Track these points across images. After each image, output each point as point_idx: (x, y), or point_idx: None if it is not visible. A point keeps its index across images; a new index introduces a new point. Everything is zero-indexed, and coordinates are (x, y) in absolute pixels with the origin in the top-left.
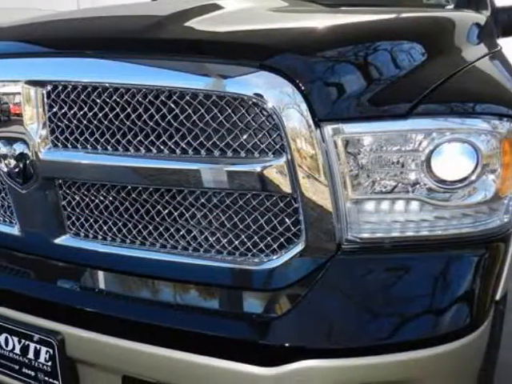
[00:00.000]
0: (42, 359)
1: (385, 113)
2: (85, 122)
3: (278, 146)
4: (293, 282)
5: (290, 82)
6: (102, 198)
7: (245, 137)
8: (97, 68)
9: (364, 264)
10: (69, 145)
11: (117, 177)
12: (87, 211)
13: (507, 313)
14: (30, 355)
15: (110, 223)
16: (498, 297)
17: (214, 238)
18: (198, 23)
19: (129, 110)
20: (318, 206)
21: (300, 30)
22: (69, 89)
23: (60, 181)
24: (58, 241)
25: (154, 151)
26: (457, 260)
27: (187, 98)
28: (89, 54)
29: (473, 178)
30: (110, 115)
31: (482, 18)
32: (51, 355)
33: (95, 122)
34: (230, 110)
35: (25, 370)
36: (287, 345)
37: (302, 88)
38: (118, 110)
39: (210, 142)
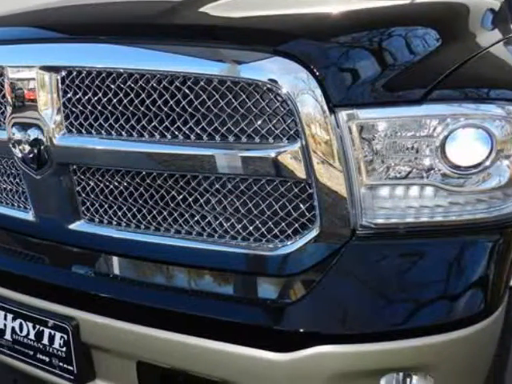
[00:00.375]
0: (56, 345)
1: (399, 98)
2: (99, 107)
3: (292, 132)
4: (307, 268)
5: (305, 68)
6: (116, 184)
7: (259, 122)
8: (111, 53)
9: (378, 250)
10: (83, 130)
11: (131, 162)
12: (102, 197)
13: None
14: (45, 341)
15: (125, 209)
16: None
17: (228, 224)
18: (212, 9)
19: (143, 95)
20: (332, 191)
21: (314, 16)
22: (83, 74)
23: (74, 166)
24: (72, 226)
25: (169, 137)
26: (471, 245)
27: (202, 83)
28: (103, 40)
29: (487, 163)
30: (125, 101)
31: (496, 3)
32: (66, 341)
33: (109, 108)
34: (244, 96)
35: (39, 356)
36: (302, 330)
37: (317, 73)
38: (132, 95)
39: (225, 128)
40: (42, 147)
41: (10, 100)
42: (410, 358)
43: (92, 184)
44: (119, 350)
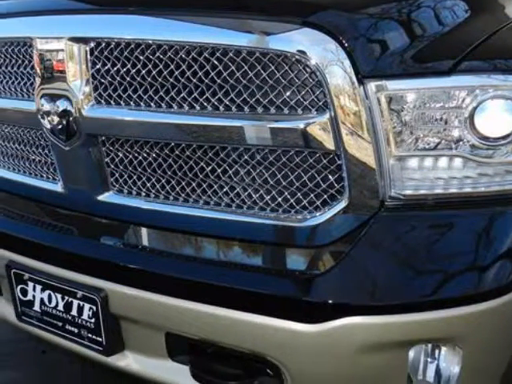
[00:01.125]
0: (85, 316)
1: (428, 69)
2: (128, 78)
3: (321, 103)
4: (336, 239)
5: (334, 39)
6: (145, 155)
7: (288, 94)
8: (140, 25)
9: (407, 221)
10: (112, 102)
11: (160, 134)
12: (130, 168)
13: None
14: (74, 312)
15: (154, 180)
16: None
17: (257, 195)
18: None
19: (172, 66)
20: (361, 162)
21: None
22: (112, 45)
23: (103, 137)
24: (101, 198)
25: (198, 108)
26: (500, 217)
27: (230, 54)
28: (132, 11)
29: None
30: (153, 72)
31: None
32: (94, 312)
33: (138, 79)
34: (273, 67)
35: (68, 327)
36: (331, 302)
37: (346, 45)
38: (161, 66)
39: (254, 99)
40: (71, 118)
41: (38, 71)
42: (439, 329)
43: (121, 155)
44: (148, 322)
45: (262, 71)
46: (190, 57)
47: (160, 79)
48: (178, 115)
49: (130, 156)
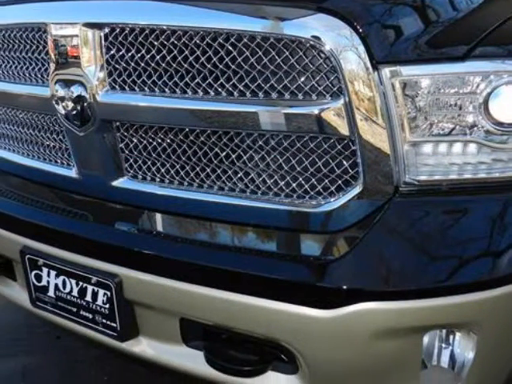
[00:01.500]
0: (99, 301)
1: (442, 55)
2: (142, 64)
3: (335, 89)
4: (350, 225)
5: (348, 25)
6: (159, 141)
7: (302, 79)
8: (154, 10)
9: (422, 206)
10: (126, 87)
11: (174, 119)
12: (145, 153)
13: None
14: (88, 297)
15: (168, 165)
16: None
17: (271, 181)
18: None
19: (186, 52)
20: (375, 148)
21: None
22: (126, 31)
23: (117, 123)
24: (115, 183)
25: (212, 94)
26: None
27: (245, 40)
28: None
29: None
30: (168, 58)
31: None
32: (109, 297)
33: (153, 65)
34: (287, 53)
35: (82, 313)
36: (345, 287)
37: (360, 30)
38: (175, 52)
39: (268, 85)
40: (85, 104)
41: (53, 57)
42: (454, 314)
43: (135, 141)
44: (162, 307)
45: (277, 57)
46: (205, 42)
47: (174, 65)
48: (193, 101)
49: (145, 142)
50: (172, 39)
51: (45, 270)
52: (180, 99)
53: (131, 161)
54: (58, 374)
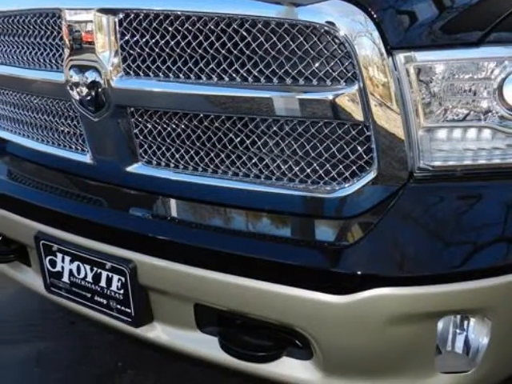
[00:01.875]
0: (114, 287)
1: (457, 41)
2: (157, 50)
3: (349, 74)
4: (365, 210)
5: (362, 10)
6: (174, 126)
7: (317, 65)
8: None
9: (436, 192)
10: (141, 73)
11: (189, 105)
12: (159, 139)
13: None
14: (102, 283)
15: (182, 151)
16: None
17: (286, 166)
18: None
19: (201, 38)
20: (390, 133)
21: None
22: (141, 17)
23: (132, 109)
24: (130, 169)
25: (226, 79)
26: None
27: (259, 26)
28: None
29: None
30: (182, 43)
31: None
32: (123, 283)
33: (167, 50)
34: (301, 38)
35: (97, 298)
36: (359, 273)
37: (374, 16)
38: (189, 38)
39: (282, 70)
40: (100, 89)
41: (67, 42)
42: (468, 300)
43: (149, 126)
44: (177, 293)
45: (291, 42)
46: (219, 28)
47: (189, 50)
48: (207, 86)
49: (159, 127)
50: (186, 25)
51: (59, 255)
52: (194, 85)
53: (145, 146)
54: (73, 359)
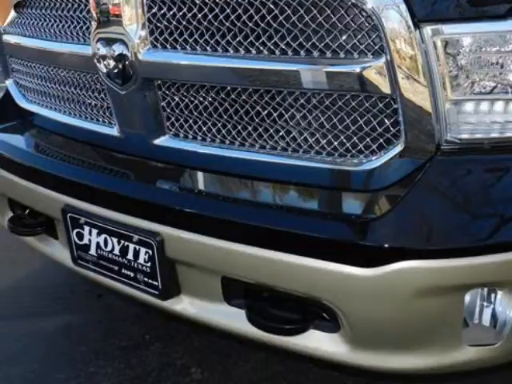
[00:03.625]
0: (141, 260)
1: (484, 13)
2: (184, 22)
3: (377, 47)
4: (392, 183)
5: None
6: (201, 99)
7: (344, 38)
8: None
9: (463, 165)
10: (168, 45)
11: (216, 78)
12: (186, 112)
13: None
14: (130, 256)
15: (210, 124)
16: None
17: (313, 139)
18: None
19: (228, 10)
20: (417, 106)
21: None
22: None
23: (159, 81)
24: (157, 141)
25: (254, 52)
26: None
27: None
28: None
29: None
30: (210, 16)
31: None
32: (150, 256)
33: (194, 23)
34: (329, 11)
35: (124, 271)
36: (387, 246)
37: None
38: (217, 10)
39: (310, 43)
40: (127, 62)
41: (94, 15)
42: (496, 273)
43: (176, 99)
44: (204, 266)
45: (318, 15)
46: (246, 1)
47: (216, 23)
48: (234, 59)
49: (186, 100)
50: None
51: (86, 228)
52: (222, 57)
53: (173, 119)
54: (100, 331)
